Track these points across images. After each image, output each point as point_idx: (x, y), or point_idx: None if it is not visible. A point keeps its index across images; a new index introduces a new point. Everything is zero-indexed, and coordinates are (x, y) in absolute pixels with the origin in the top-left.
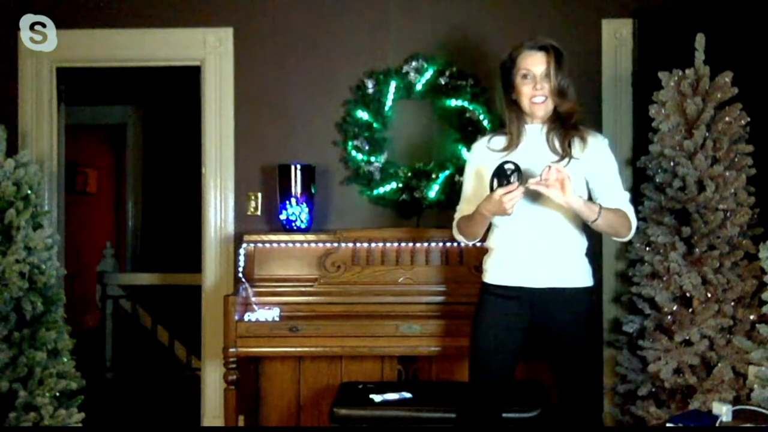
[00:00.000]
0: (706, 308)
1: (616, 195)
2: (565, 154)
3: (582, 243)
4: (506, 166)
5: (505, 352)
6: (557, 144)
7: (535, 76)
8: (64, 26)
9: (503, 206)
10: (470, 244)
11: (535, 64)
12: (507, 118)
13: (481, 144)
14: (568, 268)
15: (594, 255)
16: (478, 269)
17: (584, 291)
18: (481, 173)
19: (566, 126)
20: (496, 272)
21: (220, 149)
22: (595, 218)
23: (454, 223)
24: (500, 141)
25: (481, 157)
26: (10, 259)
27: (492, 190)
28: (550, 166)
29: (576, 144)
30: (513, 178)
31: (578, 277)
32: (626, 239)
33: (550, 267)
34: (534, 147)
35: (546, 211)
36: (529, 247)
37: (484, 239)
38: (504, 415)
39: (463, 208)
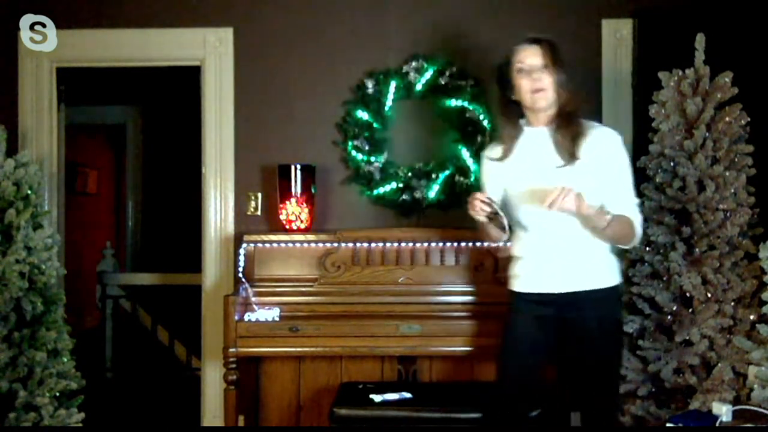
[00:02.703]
0: (706, 308)
1: (622, 200)
2: (571, 156)
3: (600, 243)
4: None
5: (530, 356)
6: (563, 145)
7: (531, 68)
8: (64, 26)
9: (472, 205)
10: (495, 245)
11: (529, 56)
12: (501, 124)
13: (484, 153)
14: (590, 270)
15: None
16: (478, 269)
17: (610, 290)
18: (485, 182)
19: (571, 125)
20: (520, 280)
21: (220, 149)
22: (605, 226)
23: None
24: (498, 150)
25: (484, 167)
26: (10, 259)
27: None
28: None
29: (583, 144)
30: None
31: (602, 277)
32: (627, 247)
33: (572, 271)
34: (539, 152)
35: (562, 216)
36: (549, 253)
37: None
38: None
39: None
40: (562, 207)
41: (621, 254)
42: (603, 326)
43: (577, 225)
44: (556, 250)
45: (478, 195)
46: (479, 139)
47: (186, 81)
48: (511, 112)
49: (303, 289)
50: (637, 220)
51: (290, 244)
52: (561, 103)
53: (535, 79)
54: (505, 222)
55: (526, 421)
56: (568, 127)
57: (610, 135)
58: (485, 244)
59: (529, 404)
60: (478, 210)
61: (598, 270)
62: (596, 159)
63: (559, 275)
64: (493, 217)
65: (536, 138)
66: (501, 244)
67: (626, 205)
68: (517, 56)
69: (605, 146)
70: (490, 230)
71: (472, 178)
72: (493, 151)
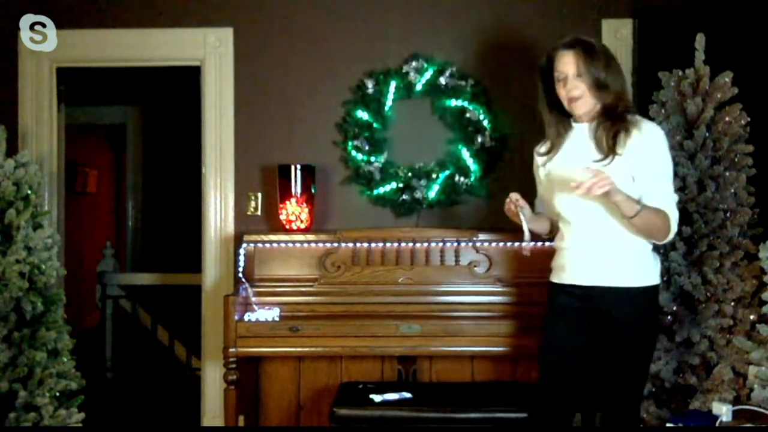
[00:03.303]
0: (706, 308)
1: (657, 194)
2: (609, 152)
3: (640, 240)
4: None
5: (567, 356)
6: (603, 141)
7: (567, 77)
8: (64, 26)
9: (507, 204)
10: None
11: (565, 65)
12: (545, 121)
13: (535, 149)
14: (624, 267)
15: None
16: (478, 269)
17: (645, 290)
18: (535, 176)
19: (613, 120)
20: (556, 271)
21: (220, 149)
22: (633, 215)
23: None
24: (546, 145)
25: (534, 162)
26: (10, 259)
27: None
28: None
29: (621, 139)
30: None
31: (636, 276)
32: (661, 243)
33: (605, 265)
34: (580, 146)
35: (597, 210)
36: (582, 245)
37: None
38: (497, 415)
39: (536, 205)
40: (591, 190)
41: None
42: (632, 325)
43: (615, 219)
44: (593, 244)
45: (512, 195)
46: (479, 139)
47: (186, 81)
48: (558, 110)
49: (303, 289)
50: (672, 215)
51: (290, 244)
52: (605, 102)
53: (570, 89)
54: (525, 227)
55: (569, 421)
56: (610, 123)
57: (651, 131)
58: (486, 243)
59: (570, 404)
60: (507, 210)
61: (632, 268)
62: (635, 154)
63: (593, 268)
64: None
65: (580, 134)
66: (525, 243)
67: (663, 199)
68: (556, 63)
69: (645, 142)
70: (535, 225)
71: (472, 178)
72: (542, 146)
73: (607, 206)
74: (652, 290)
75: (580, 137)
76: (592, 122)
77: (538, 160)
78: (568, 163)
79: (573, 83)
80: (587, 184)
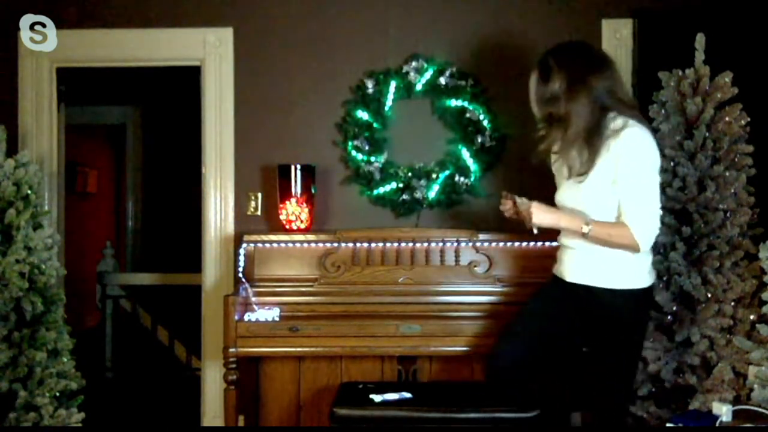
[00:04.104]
0: (706, 308)
1: (625, 205)
2: (581, 170)
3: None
4: None
5: (533, 323)
6: (575, 161)
7: (532, 100)
8: (64, 26)
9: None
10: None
11: (530, 91)
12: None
13: (553, 149)
14: (607, 268)
15: None
16: (478, 269)
17: (630, 293)
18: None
19: (589, 139)
20: (556, 264)
21: (220, 149)
22: (586, 232)
23: None
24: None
25: (552, 160)
26: (10, 259)
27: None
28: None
29: (602, 151)
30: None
31: (618, 278)
32: (636, 252)
33: (589, 265)
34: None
35: (584, 211)
36: (572, 243)
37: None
38: (497, 415)
39: None
40: (535, 223)
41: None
42: (615, 326)
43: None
44: (582, 243)
45: (503, 193)
46: (479, 139)
47: (186, 81)
48: None
49: (303, 289)
50: (636, 227)
51: (290, 244)
52: (558, 114)
53: (538, 129)
54: (522, 201)
55: (525, 388)
56: (585, 142)
57: (627, 141)
58: (486, 243)
59: (531, 374)
60: (504, 206)
61: (617, 270)
62: (610, 165)
63: (580, 266)
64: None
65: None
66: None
67: (629, 210)
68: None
69: (615, 150)
70: None
71: (472, 178)
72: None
73: (591, 208)
74: (638, 293)
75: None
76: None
77: (553, 157)
78: (558, 171)
79: (540, 121)
80: (527, 222)
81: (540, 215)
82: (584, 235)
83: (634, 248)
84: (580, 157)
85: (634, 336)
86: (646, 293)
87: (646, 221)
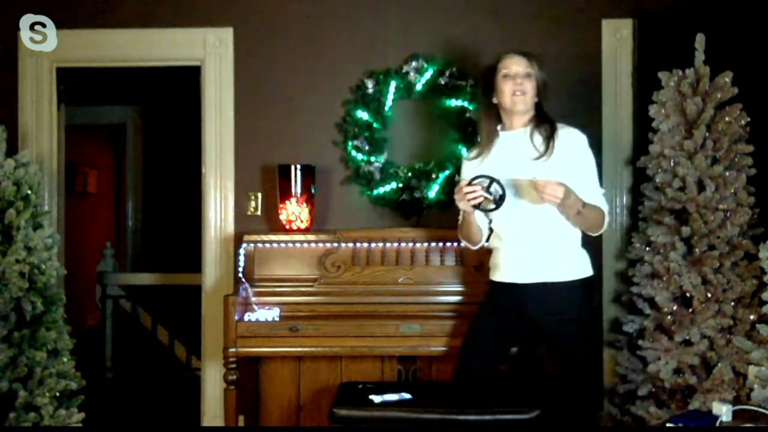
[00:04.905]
0: (706, 308)
1: (590, 192)
2: (546, 150)
3: (574, 234)
4: (480, 179)
5: (492, 345)
6: (539, 142)
7: (516, 74)
8: (64, 26)
9: (461, 195)
10: (475, 248)
11: (517, 64)
12: (481, 126)
13: (464, 157)
14: (558, 262)
15: (594, 253)
16: (478, 269)
17: (579, 283)
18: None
19: (546, 125)
20: (494, 270)
21: (220, 149)
22: (580, 208)
23: (458, 232)
24: (475, 151)
25: (463, 168)
26: (10, 259)
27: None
28: (537, 183)
29: (555, 142)
30: (491, 188)
31: (570, 269)
32: (596, 234)
33: (538, 262)
34: (512, 151)
35: (531, 208)
36: (517, 243)
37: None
38: (497, 416)
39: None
40: (552, 195)
41: (621, 254)
42: (574, 318)
43: (548, 217)
44: (528, 242)
45: (462, 183)
46: (479, 139)
47: (186, 81)
48: (492, 115)
49: (303, 289)
50: (605, 208)
51: (290, 244)
52: (537, 108)
53: (519, 83)
54: (499, 192)
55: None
56: (544, 127)
57: (577, 135)
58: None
59: (488, 394)
60: (466, 195)
61: (566, 262)
62: (565, 155)
63: (527, 265)
64: (482, 200)
65: (513, 139)
66: (481, 245)
67: (595, 195)
68: (503, 63)
69: (573, 145)
70: (471, 226)
71: None
72: (473, 152)
73: (536, 204)
74: (587, 282)
75: (514, 142)
76: (526, 126)
77: (468, 165)
78: (506, 165)
79: (521, 80)
80: (548, 192)
81: (564, 189)
82: (578, 213)
83: (602, 227)
84: (540, 138)
85: (593, 323)
86: (593, 281)
87: (606, 204)
